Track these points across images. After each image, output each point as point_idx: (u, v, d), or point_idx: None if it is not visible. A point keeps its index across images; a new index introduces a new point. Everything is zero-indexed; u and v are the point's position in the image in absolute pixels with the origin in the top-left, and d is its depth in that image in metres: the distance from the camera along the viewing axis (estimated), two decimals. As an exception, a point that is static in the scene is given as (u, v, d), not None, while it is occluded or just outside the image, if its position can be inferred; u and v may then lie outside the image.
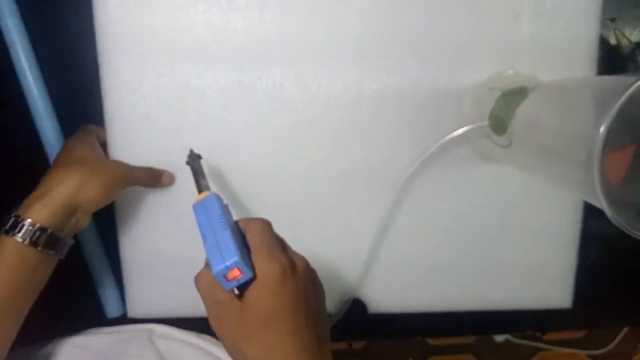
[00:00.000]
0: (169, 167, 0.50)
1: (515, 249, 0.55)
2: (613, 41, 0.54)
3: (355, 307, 0.54)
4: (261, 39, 0.48)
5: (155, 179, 0.49)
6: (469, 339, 1.11)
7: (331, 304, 0.55)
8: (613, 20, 0.54)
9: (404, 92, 0.50)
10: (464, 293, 0.56)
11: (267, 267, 0.34)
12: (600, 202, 0.31)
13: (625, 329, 1.00)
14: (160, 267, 0.52)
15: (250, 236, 0.36)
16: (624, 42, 0.54)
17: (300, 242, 0.52)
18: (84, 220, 0.44)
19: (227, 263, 0.33)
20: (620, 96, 0.30)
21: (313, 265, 0.36)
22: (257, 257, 0.35)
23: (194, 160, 0.44)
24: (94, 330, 0.52)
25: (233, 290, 0.35)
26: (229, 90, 0.49)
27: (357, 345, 1.03)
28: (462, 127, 0.46)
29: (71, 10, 0.48)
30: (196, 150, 0.45)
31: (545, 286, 0.57)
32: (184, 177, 0.48)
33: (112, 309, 0.54)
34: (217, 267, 0.33)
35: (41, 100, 0.48)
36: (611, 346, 1.01)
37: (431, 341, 1.09)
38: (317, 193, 0.52)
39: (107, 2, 0.46)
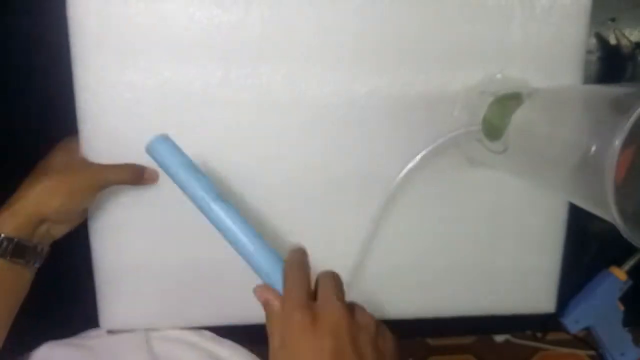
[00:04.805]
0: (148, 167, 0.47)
1: (502, 253, 0.55)
2: (613, 41, 0.54)
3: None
4: (248, 37, 0.47)
5: (136, 176, 0.47)
6: (469, 339, 1.11)
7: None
8: (613, 20, 0.54)
9: (394, 96, 0.49)
10: (453, 299, 0.55)
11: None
12: (614, 217, 0.32)
13: (625, 329, 1.00)
14: (136, 276, 0.50)
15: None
16: (624, 42, 0.54)
17: (286, 246, 0.52)
18: (57, 230, 0.45)
19: None
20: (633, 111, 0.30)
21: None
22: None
23: None
24: (90, 331, 0.52)
25: None
26: (213, 88, 0.47)
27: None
28: (453, 131, 0.46)
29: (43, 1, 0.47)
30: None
31: (530, 291, 0.56)
32: (164, 182, 0.47)
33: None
34: None
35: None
36: (611, 346, 1.01)
37: (431, 341, 1.09)
38: (303, 196, 0.51)
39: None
